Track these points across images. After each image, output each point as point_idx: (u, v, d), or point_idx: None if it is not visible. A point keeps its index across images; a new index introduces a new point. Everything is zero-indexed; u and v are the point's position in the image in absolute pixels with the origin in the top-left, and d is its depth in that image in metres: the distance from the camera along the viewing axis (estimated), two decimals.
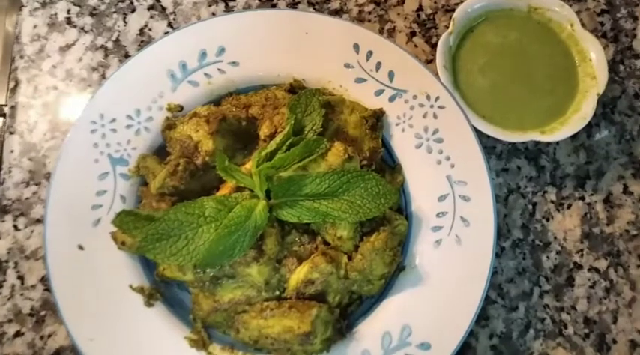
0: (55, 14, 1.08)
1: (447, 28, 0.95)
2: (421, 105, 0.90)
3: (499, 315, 0.93)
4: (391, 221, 0.84)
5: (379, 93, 0.91)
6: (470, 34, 0.97)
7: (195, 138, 0.85)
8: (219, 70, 0.92)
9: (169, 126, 0.88)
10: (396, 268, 0.85)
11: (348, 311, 0.85)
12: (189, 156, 0.85)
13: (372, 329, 0.82)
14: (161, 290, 0.85)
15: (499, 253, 0.96)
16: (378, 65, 0.92)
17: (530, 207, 0.99)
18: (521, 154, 1.01)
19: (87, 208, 0.85)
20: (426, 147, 0.89)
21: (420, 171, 0.89)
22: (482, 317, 0.93)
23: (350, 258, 0.82)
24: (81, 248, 0.83)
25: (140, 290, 0.83)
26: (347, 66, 0.92)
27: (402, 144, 0.90)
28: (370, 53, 0.92)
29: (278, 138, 0.81)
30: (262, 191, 0.79)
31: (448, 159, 0.87)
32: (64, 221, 0.83)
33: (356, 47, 0.92)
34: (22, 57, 1.04)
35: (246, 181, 0.78)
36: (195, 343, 0.81)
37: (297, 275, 0.80)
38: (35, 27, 1.06)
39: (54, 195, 0.83)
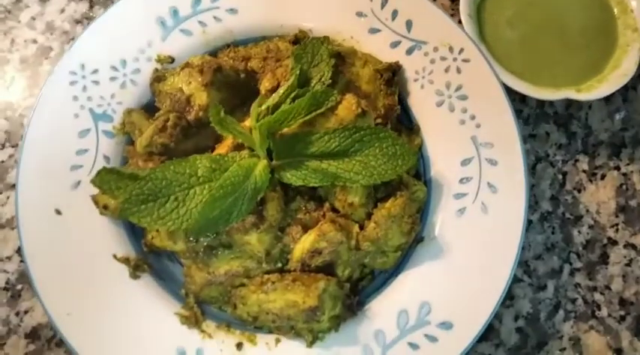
0: None
1: None
2: (443, 59, 0.80)
3: (525, 295, 0.84)
4: (409, 186, 0.74)
5: (395, 44, 0.81)
6: None
7: (187, 91, 0.75)
8: (214, 17, 0.82)
9: (158, 78, 0.78)
10: (414, 239, 0.76)
11: (359, 287, 0.75)
12: (181, 112, 0.75)
13: (386, 307, 0.73)
14: (149, 262, 0.75)
15: (527, 227, 0.87)
16: (395, 13, 0.82)
17: (560, 176, 0.89)
18: (550, 119, 0.91)
19: (65, 169, 0.75)
20: (448, 105, 0.79)
21: (441, 131, 0.79)
22: (506, 297, 0.83)
23: (362, 228, 0.72)
24: (58, 212, 0.73)
25: (125, 260, 0.74)
26: (359, 14, 0.82)
27: (421, 102, 0.80)
28: (386, 1, 0.82)
29: (281, 91, 0.71)
30: (263, 149, 0.69)
31: (473, 118, 0.77)
32: (39, 182, 0.73)
33: None
34: None
35: (245, 137, 0.68)
36: (186, 320, 0.72)
37: (303, 244, 0.70)
38: None
39: (27, 154, 0.74)
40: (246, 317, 0.71)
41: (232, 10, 0.83)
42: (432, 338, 0.69)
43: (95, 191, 0.73)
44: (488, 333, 0.82)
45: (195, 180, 0.67)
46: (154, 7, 0.81)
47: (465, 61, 0.79)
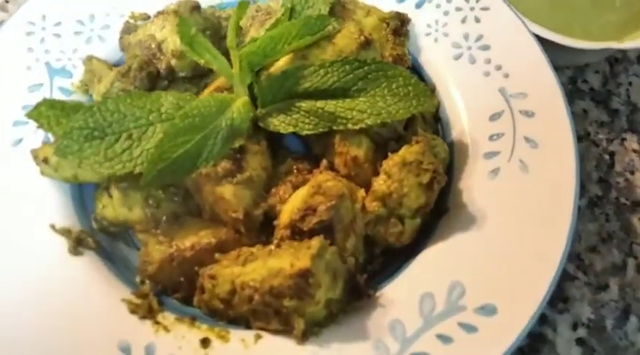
0: None
1: None
2: (458, 9, 0.69)
3: (583, 296, 0.65)
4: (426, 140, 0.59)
5: (402, 0, 0.71)
6: None
7: (159, 37, 0.64)
8: None
9: (128, 29, 0.68)
10: (437, 210, 0.59)
11: (368, 272, 0.57)
12: (150, 59, 0.63)
13: (404, 291, 0.54)
14: (96, 239, 0.59)
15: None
16: None
17: (607, 157, 0.74)
18: (586, 96, 0.79)
19: (7, 123, 0.62)
20: (467, 57, 0.67)
21: (461, 87, 0.66)
22: (558, 298, 0.65)
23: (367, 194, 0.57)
24: None
25: (65, 232, 0.57)
26: None
27: (436, 57, 0.68)
28: None
29: (267, 24, 0.60)
30: (243, 83, 0.56)
31: (499, 68, 0.65)
32: None
33: None
34: None
35: (221, 65, 0.55)
36: (137, 308, 0.54)
37: (293, 203, 0.54)
38: None
39: None
40: (216, 303, 0.53)
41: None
42: (470, 328, 0.50)
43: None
44: (541, 346, 0.62)
45: (157, 117, 0.54)
46: None
47: (484, 9, 0.68)
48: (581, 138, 0.75)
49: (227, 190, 0.53)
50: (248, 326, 0.53)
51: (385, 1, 0.71)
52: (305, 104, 0.56)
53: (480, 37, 0.67)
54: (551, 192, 0.56)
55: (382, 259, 0.59)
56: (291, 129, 0.56)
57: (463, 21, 0.68)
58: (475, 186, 0.60)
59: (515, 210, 0.57)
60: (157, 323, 0.53)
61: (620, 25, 0.71)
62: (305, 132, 0.57)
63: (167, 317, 0.54)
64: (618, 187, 0.72)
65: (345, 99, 0.56)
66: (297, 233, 0.53)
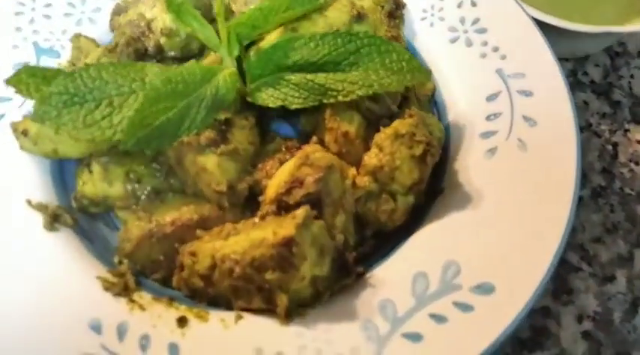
0: None
1: None
2: None
3: (588, 288, 0.61)
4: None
5: None
6: None
7: (149, 16, 0.63)
8: None
9: (119, 10, 0.66)
10: (431, 192, 0.57)
11: (358, 254, 0.54)
12: (138, 36, 0.62)
13: (395, 271, 0.51)
14: (74, 216, 0.56)
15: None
16: None
17: (610, 147, 0.72)
18: (587, 88, 0.77)
19: None
20: (464, 40, 0.65)
21: (457, 69, 0.64)
22: (562, 290, 0.61)
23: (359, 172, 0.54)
24: None
25: (42, 207, 0.55)
26: None
27: (432, 40, 0.67)
28: None
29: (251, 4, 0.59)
30: (231, 54, 0.54)
31: (496, 50, 0.63)
32: None
33: None
34: None
35: (208, 33, 0.54)
36: (111, 286, 0.50)
37: (279, 176, 0.52)
38: None
39: None
40: (196, 281, 0.50)
41: None
42: (465, 307, 0.47)
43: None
44: (544, 340, 0.58)
45: (140, 85, 0.52)
46: None
47: None
48: (583, 128, 0.73)
49: (210, 160, 0.51)
50: (229, 308, 0.50)
51: None
52: (294, 77, 0.54)
53: (476, 21, 0.66)
54: (552, 168, 0.54)
55: (374, 242, 0.56)
56: (279, 103, 0.54)
57: (459, 5, 0.67)
58: (471, 165, 0.57)
59: (513, 188, 0.54)
60: (132, 301, 0.50)
61: (620, 13, 0.70)
62: (294, 106, 0.54)
63: (143, 297, 0.51)
64: (623, 178, 0.69)
65: (337, 73, 0.54)
66: (284, 207, 0.50)
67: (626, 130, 0.73)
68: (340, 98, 0.53)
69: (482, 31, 0.65)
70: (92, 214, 0.59)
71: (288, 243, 0.45)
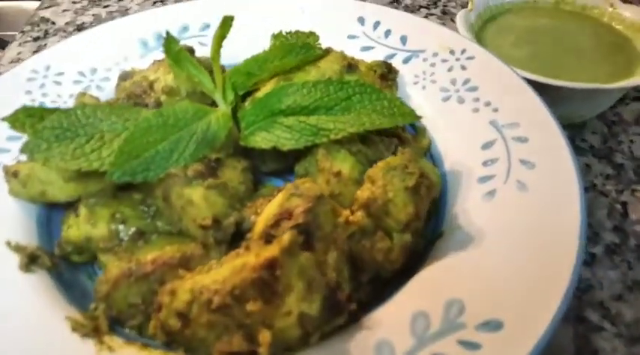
0: None
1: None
2: (444, 61, 0.71)
3: (615, 349, 0.54)
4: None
5: (390, 57, 0.74)
6: (493, 21, 0.84)
7: (152, 77, 0.66)
8: (200, 43, 0.78)
9: (125, 76, 0.70)
10: (430, 234, 0.54)
11: (353, 301, 0.49)
12: (139, 95, 0.64)
13: (393, 312, 0.46)
14: (54, 260, 0.53)
15: (589, 261, 0.63)
16: (388, 32, 0.77)
17: (619, 206, 0.69)
18: (587, 153, 0.76)
19: None
20: (456, 98, 0.67)
21: (451, 123, 0.65)
22: (586, 351, 0.54)
23: (352, 213, 0.52)
24: None
25: (19, 248, 0.52)
26: (350, 37, 0.78)
27: (424, 100, 0.68)
28: (377, 23, 0.78)
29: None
30: (226, 99, 0.56)
31: (488, 104, 0.64)
32: None
33: (360, 20, 0.79)
34: None
35: (203, 79, 0.56)
36: (80, 327, 0.46)
37: (268, 209, 0.49)
38: None
39: None
40: (173, 322, 0.45)
41: None
42: (472, 345, 0.41)
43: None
44: None
45: (133, 124, 0.52)
46: (139, 31, 0.78)
47: (470, 58, 0.70)
48: (588, 189, 0.71)
49: (196, 193, 0.49)
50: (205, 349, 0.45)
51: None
52: (287, 120, 0.55)
53: (467, 81, 0.68)
54: (555, 204, 0.51)
55: (370, 288, 0.52)
56: (272, 144, 0.54)
57: (450, 69, 0.70)
58: (471, 208, 0.54)
59: (516, 227, 0.51)
60: (101, 342, 0.45)
61: (607, 78, 0.72)
62: (286, 147, 0.54)
63: (115, 340, 0.46)
64: (637, 234, 0.65)
65: (329, 115, 0.55)
66: (271, 241, 0.47)
67: (634, 190, 0.71)
68: (332, 136, 0.53)
69: (473, 89, 0.66)
70: (75, 264, 0.56)
71: (271, 265, 0.41)
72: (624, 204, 0.69)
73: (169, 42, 0.56)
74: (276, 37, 0.67)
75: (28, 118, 0.53)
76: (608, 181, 0.72)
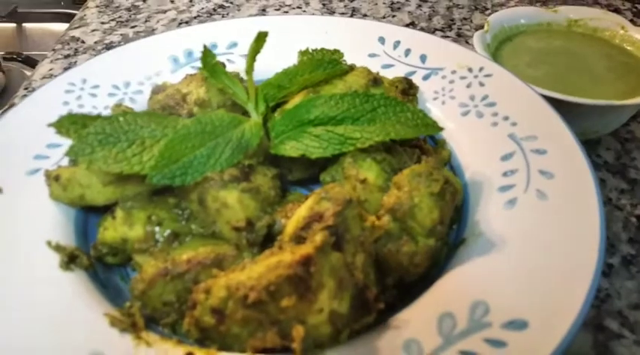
0: None
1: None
2: (463, 78, 0.74)
3: None
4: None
5: (410, 74, 0.77)
6: (508, 42, 0.87)
7: (184, 91, 0.69)
8: (228, 60, 0.82)
9: (158, 89, 0.73)
10: (452, 241, 0.56)
11: (380, 301, 0.51)
12: (173, 106, 0.67)
13: (419, 313, 0.48)
14: (91, 260, 0.56)
15: (606, 271, 0.64)
16: (407, 51, 0.80)
17: (634, 219, 0.70)
18: (601, 167, 0.78)
19: (27, 156, 0.64)
20: (475, 113, 0.69)
21: (470, 136, 0.67)
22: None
23: (378, 218, 0.54)
24: None
25: (59, 248, 0.55)
26: (371, 56, 0.81)
27: (444, 115, 0.71)
28: (397, 43, 0.82)
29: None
30: (258, 111, 0.59)
31: (506, 119, 0.67)
32: None
33: (381, 40, 0.83)
34: None
35: (237, 89, 0.59)
36: (118, 322, 0.48)
37: (298, 213, 0.52)
38: None
39: None
40: (208, 319, 0.47)
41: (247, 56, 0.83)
42: (498, 343, 0.43)
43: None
44: None
45: (172, 131, 0.55)
46: (170, 47, 0.82)
47: (488, 76, 0.73)
48: (604, 203, 0.72)
49: (231, 196, 0.52)
50: (242, 352, 0.47)
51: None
52: (315, 130, 0.58)
53: (485, 97, 0.70)
54: (575, 211, 0.53)
55: (396, 292, 0.53)
56: (301, 153, 0.57)
57: (468, 86, 0.73)
58: (492, 216, 0.56)
59: (538, 233, 0.53)
60: (139, 337, 0.47)
61: (620, 96, 0.74)
62: (314, 156, 0.57)
63: (151, 336, 0.48)
64: None
65: (355, 125, 0.58)
66: (302, 242, 0.49)
67: None
68: (359, 145, 0.56)
69: (492, 104, 0.69)
70: (109, 266, 0.58)
71: (306, 262, 0.43)
72: (639, 218, 0.71)
73: (206, 55, 0.59)
74: (303, 53, 0.71)
75: (72, 125, 0.56)
76: (623, 195, 0.74)
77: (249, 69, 0.58)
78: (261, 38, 0.58)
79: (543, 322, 0.44)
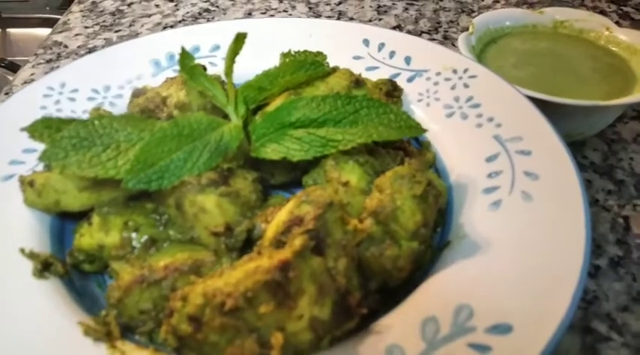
0: None
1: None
2: (447, 80, 0.73)
3: None
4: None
5: (394, 76, 0.76)
6: (493, 44, 0.87)
7: (164, 93, 0.68)
8: (210, 63, 0.81)
9: (138, 93, 0.72)
10: (438, 244, 0.55)
11: (363, 307, 0.50)
12: (152, 110, 0.66)
13: (402, 318, 0.47)
14: (66, 267, 0.54)
15: (593, 273, 0.63)
16: (392, 54, 0.80)
17: (621, 220, 0.70)
18: (588, 169, 0.78)
19: (3, 161, 0.62)
20: (460, 114, 0.69)
21: (455, 138, 0.66)
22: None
23: (361, 221, 0.53)
24: None
25: (33, 255, 0.53)
26: (356, 57, 0.80)
27: (428, 117, 0.70)
28: (382, 45, 0.81)
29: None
30: (238, 113, 0.58)
31: (491, 120, 0.66)
32: None
33: (365, 42, 0.82)
34: None
35: (217, 92, 0.58)
36: (92, 332, 0.46)
37: (279, 216, 0.51)
38: None
39: None
40: (185, 327, 0.46)
41: None
42: (482, 348, 0.42)
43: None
44: None
45: (148, 135, 0.54)
46: (151, 51, 0.81)
47: (472, 77, 0.72)
48: (590, 204, 0.72)
49: (209, 200, 0.50)
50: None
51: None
52: (296, 132, 0.57)
53: (470, 98, 0.70)
54: (560, 212, 0.52)
55: (378, 297, 0.52)
56: (282, 155, 0.56)
57: (453, 88, 0.72)
58: (477, 218, 0.56)
59: (522, 235, 0.52)
60: (114, 347, 0.45)
61: (605, 97, 0.74)
62: (296, 158, 0.56)
63: (126, 344, 0.46)
64: None
65: (337, 128, 0.57)
66: (282, 247, 0.48)
67: (635, 205, 0.72)
68: (340, 147, 0.55)
69: (476, 106, 0.68)
70: (85, 273, 0.56)
71: (284, 267, 0.42)
72: (626, 219, 0.70)
73: (184, 57, 0.58)
74: (285, 55, 0.70)
75: (46, 129, 0.55)
76: (610, 196, 0.73)
77: (229, 71, 0.57)
78: (240, 39, 0.56)
79: (528, 326, 0.43)
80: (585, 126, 0.75)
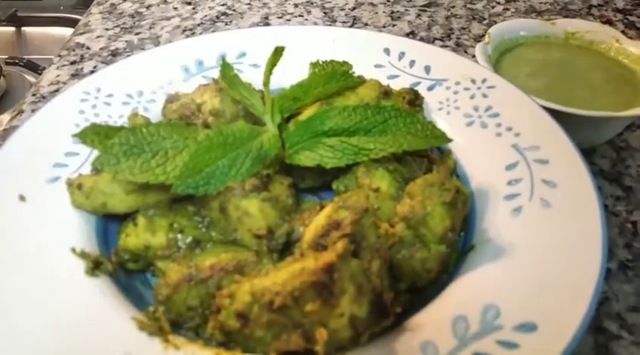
0: None
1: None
2: (466, 89, 0.77)
3: None
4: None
5: (415, 85, 0.80)
6: (508, 53, 0.90)
7: (199, 100, 0.71)
8: (237, 70, 0.84)
9: (171, 98, 0.75)
10: (461, 248, 0.58)
11: (397, 306, 0.54)
12: (188, 116, 0.69)
13: (434, 317, 0.51)
14: (114, 266, 0.57)
15: (605, 275, 0.67)
16: (412, 63, 0.83)
17: (630, 225, 0.74)
18: (597, 175, 0.82)
19: (47, 165, 0.65)
20: (479, 123, 0.72)
21: (475, 146, 0.70)
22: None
23: (391, 226, 0.57)
24: (22, 198, 0.60)
25: (83, 254, 0.57)
26: (377, 66, 0.84)
27: (449, 125, 0.73)
28: (402, 54, 0.84)
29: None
30: (274, 121, 0.61)
31: (510, 129, 0.70)
32: (11, 166, 0.63)
33: (386, 51, 0.85)
34: None
35: (254, 100, 0.61)
36: (146, 326, 0.50)
37: (317, 220, 0.54)
38: None
39: (13, 139, 0.66)
40: (232, 323, 0.49)
41: (255, 65, 0.85)
42: (510, 345, 0.46)
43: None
44: None
45: (192, 142, 0.57)
46: (180, 57, 0.84)
47: (490, 87, 0.76)
48: None
49: (253, 205, 0.54)
50: (265, 354, 0.49)
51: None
52: (329, 140, 0.60)
53: (489, 108, 0.73)
54: (578, 219, 0.56)
55: (408, 297, 0.56)
56: (315, 162, 0.59)
57: (472, 97, 0.75)
58: (499, 223, 0.59)
59: (544, 240, 0.56)
60: (167, 341, 0.49)
61: (616, 107, 0.77)
62: (329, 166, 0.59)
63: (177, 339, 0.50)
64: None
65: (368, 136, 0.60)
66: (321, 250, 0.52)
67: None
68: (372, 156, 0.58)
69: (495, 115, 0.72)
70: (129, 271, 0.60)
71: (329, 269, 0.46)
72: (634, 224, 0.74)
73: (225, 67, 0.62)
74: (314, 65, 0.73)
75: (95, 135, 0.58)
76: (619, 202, 0.77)
77: (267, 81, 0.60)
78: (278, 52, 0.60)
79: (552, 325, 0.47)
80: (596, 135, 0.79)
